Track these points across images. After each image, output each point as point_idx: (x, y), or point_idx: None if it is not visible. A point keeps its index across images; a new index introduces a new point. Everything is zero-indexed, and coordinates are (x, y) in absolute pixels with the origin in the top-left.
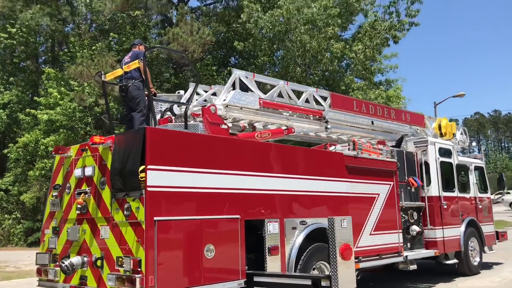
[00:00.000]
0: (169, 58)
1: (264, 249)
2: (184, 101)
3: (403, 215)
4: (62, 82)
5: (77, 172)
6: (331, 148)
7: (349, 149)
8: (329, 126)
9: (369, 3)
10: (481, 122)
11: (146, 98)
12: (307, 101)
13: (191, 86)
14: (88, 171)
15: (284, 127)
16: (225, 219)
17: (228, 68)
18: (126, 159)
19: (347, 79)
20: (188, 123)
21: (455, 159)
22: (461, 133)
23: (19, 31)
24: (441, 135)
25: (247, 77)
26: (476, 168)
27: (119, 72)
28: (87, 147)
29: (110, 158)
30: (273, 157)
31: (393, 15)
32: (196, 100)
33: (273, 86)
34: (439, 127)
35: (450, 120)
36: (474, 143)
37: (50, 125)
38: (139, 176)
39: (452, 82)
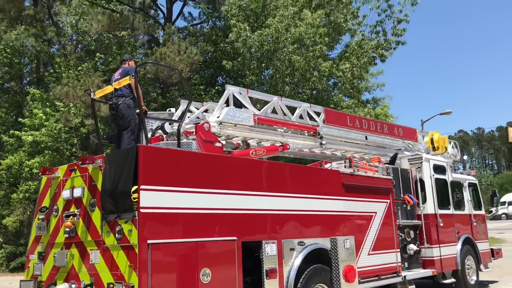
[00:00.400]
0: (156, 78)
1: (262, 272)
2: (176, 119)
3: (400, 234)
4: (47, 103)
5: (65, 193)
6: (327, 166)
7: (345, 167)
8: (324, 142)
9: (356, 24)
10: (465, 139)
11: (137, 116)
12: (301, 117)
13: (183, 103)
14: (77, 192)
15: (278, 144)
16: (222, 241)
17: (216, 87)
18: (118, 179)
19: (336, 98)
20: (180, 141)
21: (449, 176)
22: (452, 147)
23: (3, 52)
24: (434, 149)
25: (240, 93)
26: (470, 184)
27: (109, 89)
28: (75, 167)
29: (101, 178)
30: (270, 175)
31: (380, 34)
32: (188, 117)
33: (266, 102)
34: (432, 141)
35: None
36: (465, 157)
37: (34, 147)
38: (132, 197)
39: (436, 100)
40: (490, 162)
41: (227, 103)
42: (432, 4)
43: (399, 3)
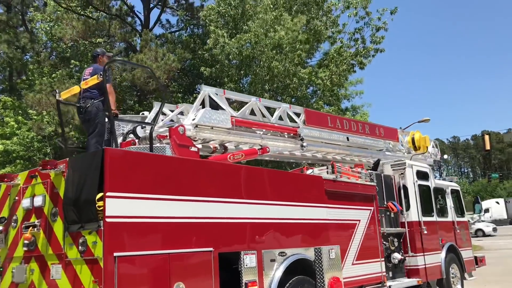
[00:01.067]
0: (133, 85)
1: (240, 284)
2: (149, 122)
3: (384, 242)
4: (19, 111)
5: (25, 202)
6: (308, 172)
7: (327, 173)
8: (305, 144)
9: (336, 32)
10: (441, 148)
11: (106, 119)
12: (280, 118)
13: (156, 105)
14: (38, 201)
15: (258, 147)
16: (197, 253)
17: (194, 95)
18: (82, 186)
19: (316, 105)
20: (153, 145)
21: (432, 182)
22: (433, 146)
23: None
24: (415, 148)
25: (217, 94)
26: (453, 191)
27: (75, 89)
28: (36, 174)
29: (63, 186)
30: (249, 181)
31: (359, 42)
32: (162, 120)
33: (243, 104)
34: (413, 140)
35: None
36: (446, 156)
37: (6, 156)
38: (96, 205)
39: (413, 109)
40: (466, 170)
41: (202, 104)
42: (410, 12)
43: (378, 11)
